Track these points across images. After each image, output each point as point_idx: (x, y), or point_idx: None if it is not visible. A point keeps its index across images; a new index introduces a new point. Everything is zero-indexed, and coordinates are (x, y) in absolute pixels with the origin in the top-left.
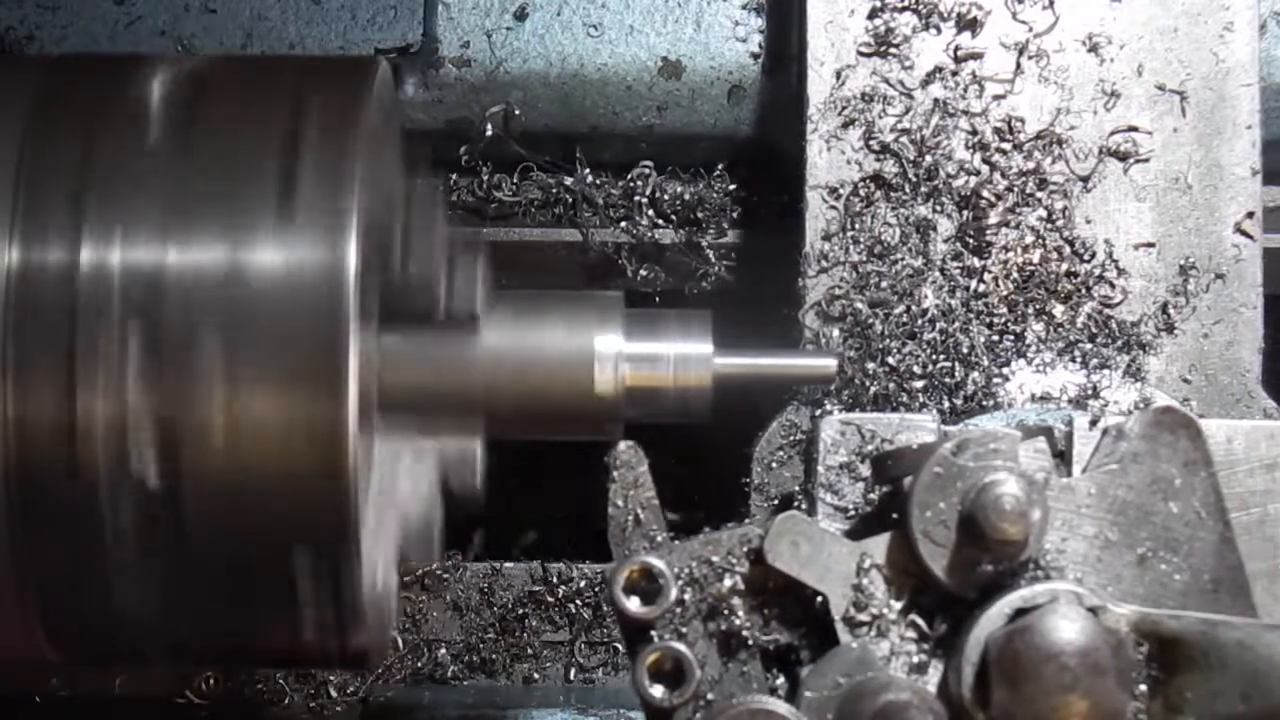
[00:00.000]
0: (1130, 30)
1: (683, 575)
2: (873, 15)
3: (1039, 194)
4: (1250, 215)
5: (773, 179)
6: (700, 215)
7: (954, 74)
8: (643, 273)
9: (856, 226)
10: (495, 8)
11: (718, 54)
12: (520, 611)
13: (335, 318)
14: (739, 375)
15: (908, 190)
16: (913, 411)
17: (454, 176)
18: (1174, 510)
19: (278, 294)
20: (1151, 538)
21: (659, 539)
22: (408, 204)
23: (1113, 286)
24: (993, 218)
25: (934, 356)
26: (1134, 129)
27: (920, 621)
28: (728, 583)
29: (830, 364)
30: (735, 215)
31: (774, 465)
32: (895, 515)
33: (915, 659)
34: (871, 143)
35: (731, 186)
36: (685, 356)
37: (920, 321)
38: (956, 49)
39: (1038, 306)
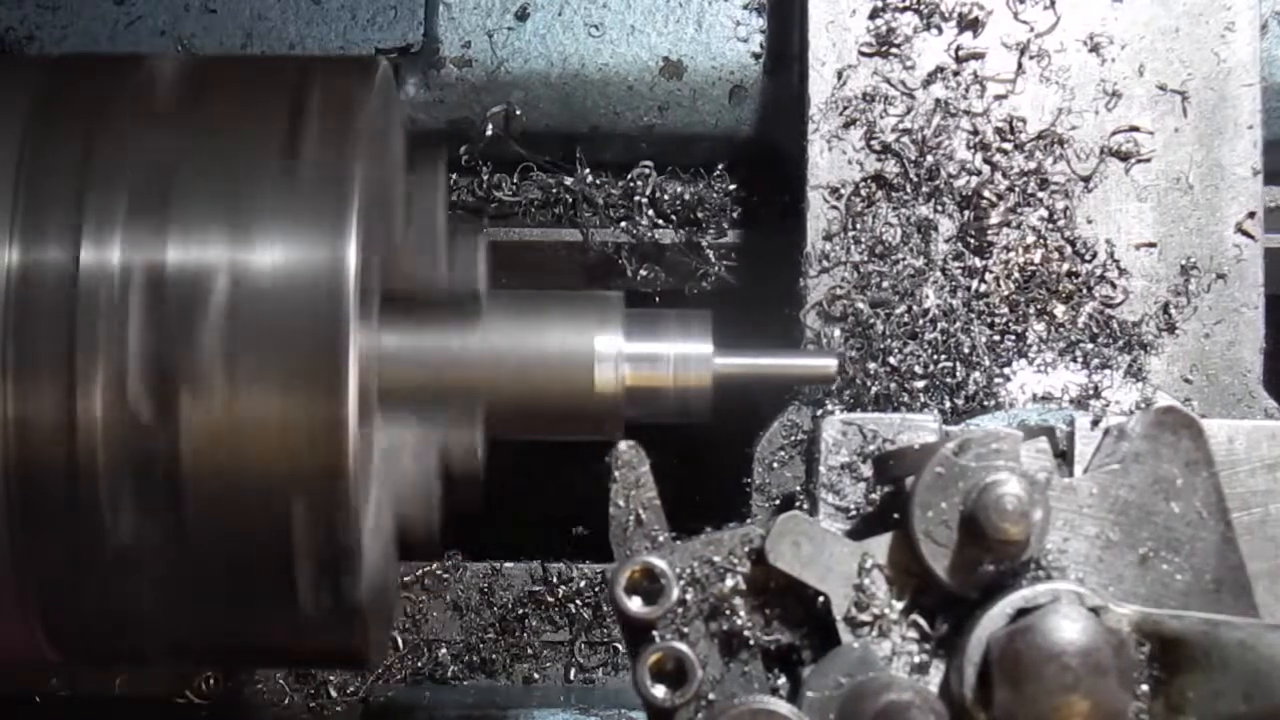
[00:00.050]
0: (1131, 30)
1: (684, 575)
2: (874, 15)
3: (1040, 194)
4: (1251, 215)
5: (774, 179)
6: (700, 215)
7: (955, 74)
8: (643, 273)
9: (858, 226)
10: (496, 7)
11: (719, 54)
12: (520, 611)
13: (335, 318)
14: (739, 375)
15: (909, 190)
16: (914, 412)
17: (454, 176)
18: (1176, 510)
19: (278, 293)
20: (1153, 538)
21: (660, 539)
22: (409, 201)
23: (1114, 286)
24: (994, 218)
25: (935, 356)
26: (1135, 129)
27: (922, 621)
28: (729, 583)
29: (830, 364)
30: (735, 215)
31: (775, 465)
32: (897, 515)
33: (917, 659)
34: (873, 143)
35: (732, 186)
36: (685, 356)
37: (921, 321)
38: (958, 49)
39: (1039, 306)
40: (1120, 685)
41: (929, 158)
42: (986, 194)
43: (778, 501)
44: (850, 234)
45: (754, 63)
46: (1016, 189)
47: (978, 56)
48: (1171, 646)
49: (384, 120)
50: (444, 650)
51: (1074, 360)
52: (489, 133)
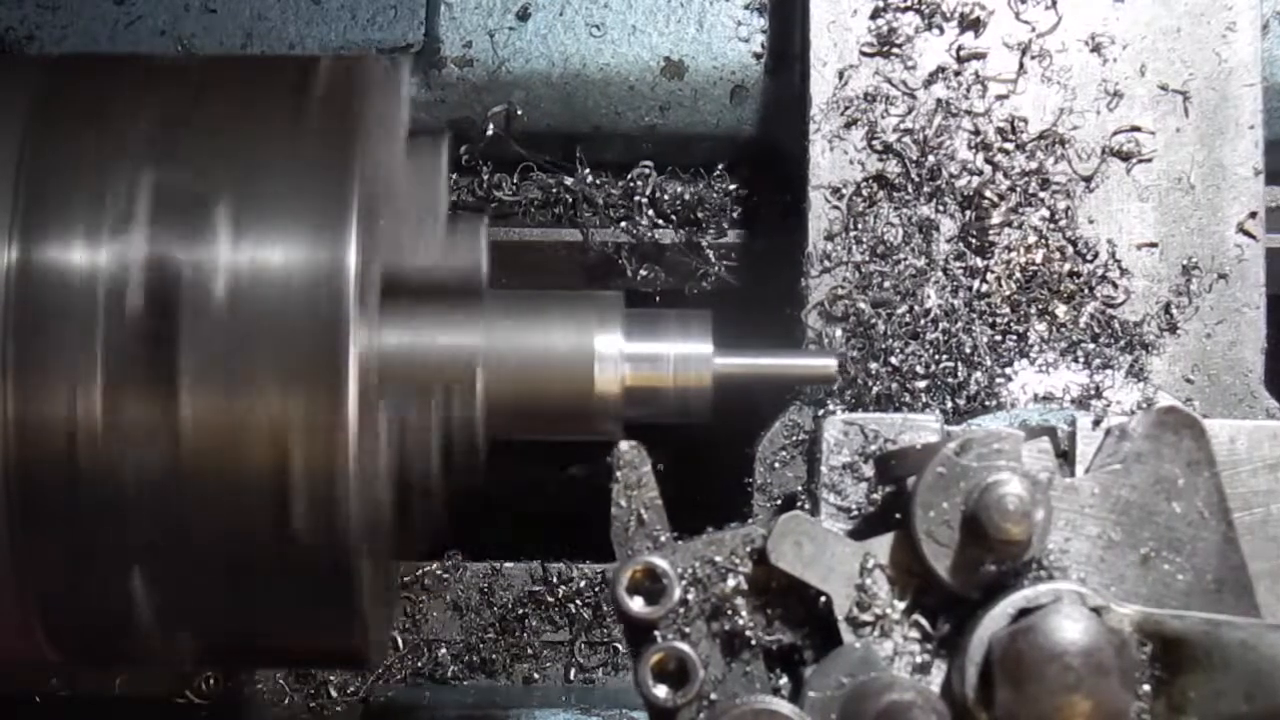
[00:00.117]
0: (1133, 30)
1: (686, 575)
2: (875, 15)
3: (1042, 194)
4: (1253, 215)
5: (775, 179)
6: (701, 215)
7: (957, 74)
8: (643, 273)
9: (859, 226)
10: (498, 7)
11: (720, 54)
12: (520, 611)
13: (335, 318)
14: (739, 375)
15: (910, 190)
16: (916, 412)
17: (455, 176)
18: (1177, 510)
19: (279, 293)
20: (1155, 538)
21: (662, 539)
22: (410, 193)
23: (1115, 286)
24: (995, 218)
25: (937, 356)
26: (1137, 129)
27: (923, 621)
28: (731, 583)
29: (830, 364)
30: (736, 215)
31: (777, 465)
32: (898, 515)
33: (918, 659)
34: (874, 143)
35: (733, 186)
36: (685, 356)
37: (923, 321)
38: (959, 49)
39: (1040, 306)
40: (1122, 685)
41: (930, 158)
42: (988, 194)
43: (779, 501)
44: (852, 234)
45: (755, 63)
46: (1018, 189)
47: (979, 56)
48: (1173, 646)
49: (385, 117)
50: (444, 650)
51: (1075, 360)
52: (490, 132)
